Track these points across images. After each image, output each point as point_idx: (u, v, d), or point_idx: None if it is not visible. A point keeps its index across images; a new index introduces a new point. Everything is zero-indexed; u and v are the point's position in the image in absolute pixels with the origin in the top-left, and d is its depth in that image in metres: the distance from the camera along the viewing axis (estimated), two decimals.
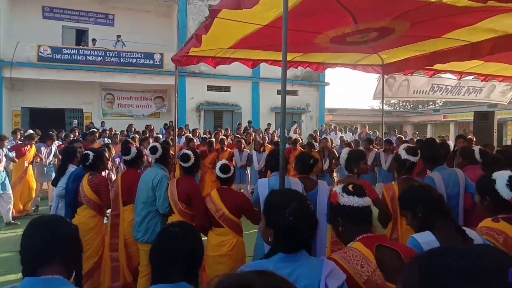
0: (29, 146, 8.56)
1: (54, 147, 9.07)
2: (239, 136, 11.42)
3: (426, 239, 2.09)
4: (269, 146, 9.54)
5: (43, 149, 8.84)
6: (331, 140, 9.72)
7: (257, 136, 12.59)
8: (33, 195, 8.65)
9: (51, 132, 9.45)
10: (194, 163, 4.09)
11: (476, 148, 4.84)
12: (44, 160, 8.79)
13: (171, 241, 1.76)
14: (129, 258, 4.49)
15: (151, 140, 9.14)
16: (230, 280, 0.64)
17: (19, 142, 8.97)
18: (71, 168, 5.14)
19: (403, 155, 3.67)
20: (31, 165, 8.68)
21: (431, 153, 4.11)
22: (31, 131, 9.61)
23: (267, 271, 0.71)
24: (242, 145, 9.13)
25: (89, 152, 4.67)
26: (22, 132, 9.92)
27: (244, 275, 0.66)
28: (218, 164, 3.91)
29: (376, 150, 8.57)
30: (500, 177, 2.45)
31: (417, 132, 18.44)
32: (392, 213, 3.50)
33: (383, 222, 3.51)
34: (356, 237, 1.93)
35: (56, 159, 8.93)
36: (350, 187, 2.02)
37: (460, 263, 0.72)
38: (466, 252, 0.75)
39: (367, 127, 18.18)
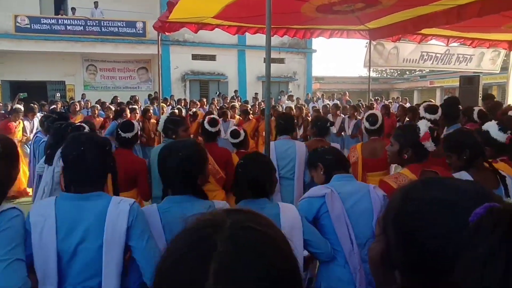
0: (18, 121, 7.80)
1: (36, 121, 8.36)
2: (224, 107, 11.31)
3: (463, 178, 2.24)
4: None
5: (26, 123, 8.18)
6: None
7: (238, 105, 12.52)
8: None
9: (32, 104, 9.02)
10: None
11: (476, 109, 4.78)
12: (28, 135, 8.05)
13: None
14: None
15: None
16: (203, 218, 0.67)
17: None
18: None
19: (422, 113, 3.92)
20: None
21: (452, 111, 4.07)
22: (18, 105, 8.83)
23: (238, 210, 0.72)
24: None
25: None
26: (0, 105, 9.48)
27: (215, 214, 0.68)
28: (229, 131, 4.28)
29: (343, 116, 8.83)
30: (490, 126, 2.74)
31: (407, 98, 18.54)
32: None
33: None
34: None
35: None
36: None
37: (434, 194, 0.75)
38: (447, 185, 0.77)
39: (347, 94, 18.17)
